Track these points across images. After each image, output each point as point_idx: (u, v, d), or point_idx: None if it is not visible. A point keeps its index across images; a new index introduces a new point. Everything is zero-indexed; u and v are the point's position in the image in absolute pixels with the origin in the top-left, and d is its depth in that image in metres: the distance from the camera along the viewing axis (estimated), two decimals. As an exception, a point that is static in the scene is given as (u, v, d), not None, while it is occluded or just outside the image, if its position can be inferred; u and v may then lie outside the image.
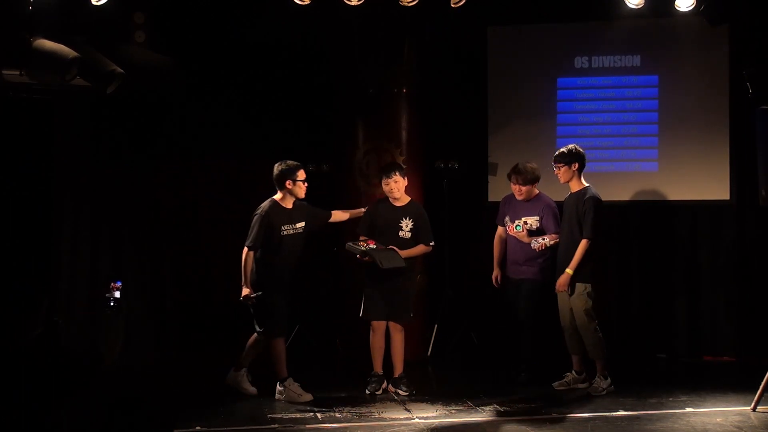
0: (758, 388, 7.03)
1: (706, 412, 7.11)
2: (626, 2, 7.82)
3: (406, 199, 7.82)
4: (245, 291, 7.37)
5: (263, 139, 9.24)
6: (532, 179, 7.98)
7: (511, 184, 8.06)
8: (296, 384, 7.49)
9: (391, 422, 6.88)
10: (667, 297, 9.25)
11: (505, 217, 8.12)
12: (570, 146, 7.76)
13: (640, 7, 7.84)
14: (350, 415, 7.04)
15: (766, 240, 8.92)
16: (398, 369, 7.78)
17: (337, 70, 9.09)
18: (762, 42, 8.44)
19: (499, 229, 8.23)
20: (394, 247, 7.59)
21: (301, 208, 7.64)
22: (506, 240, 8.15)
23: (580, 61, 9.22)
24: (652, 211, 9.25)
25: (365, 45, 8.85)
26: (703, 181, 9.02)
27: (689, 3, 7.85)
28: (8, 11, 6.99)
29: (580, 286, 7.63)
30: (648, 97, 9.16)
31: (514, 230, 7.98)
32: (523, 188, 7.99)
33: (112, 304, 7.55)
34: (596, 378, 7.72)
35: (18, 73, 7.19)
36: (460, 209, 9.40)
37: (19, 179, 8.16)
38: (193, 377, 8.28)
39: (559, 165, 7.72)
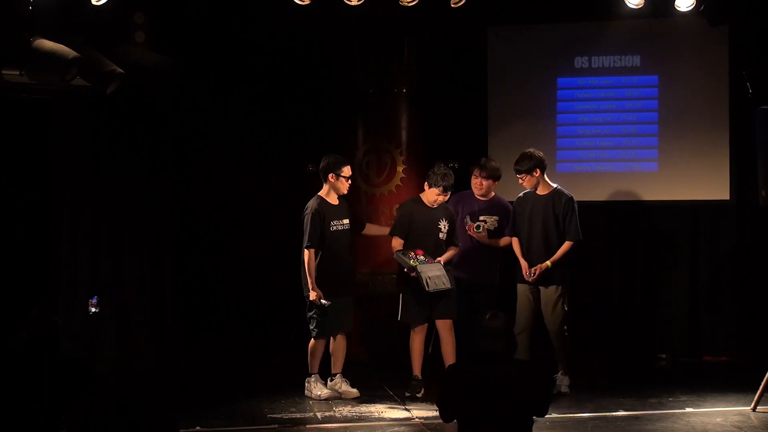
0: (758, 388, 7.04)
1: (706, 412, 7.11)
2: (626, 2, 7.82)
3: None
4: (313, 295, 7.28)
5: (263, 139, 9.23)
6: (495, 176, 7.99)
7: (473, 177, 8.05)
8: (319, 383, 7.49)
9: (391, 422, 6.88)
10: (667, 297, 9.25)
11: (460, 216, 8.01)
12: (527, 152, 7.59)
13: (640, 7, 7.84)
14: (350, 415, 7.05)
15: (766, 240, 8.92)
16: None
17: (337, 70, 9.09)
18: (762, 42, 8.45)
19: None
20: (441, 261, 7.47)
21: (345, 205, 7.62)
22: None
23: (580, 61, 9.21)
24: (652, 211, 9.24)
25: (365, 45, 8.86)
26: (703, 181, 9.01)
27: (689, 3, 7.85)
28: (8, 11, 7.00)
29: (558, 289, 7.57)
30: (648, 97, 9.14)
31: (474, 230, 7.95)
32: (485, 182, 7.98)
33: (91, 314, 7.63)
34: (559, 374, 7.64)
35: (18, 73, 7.19)
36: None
37: (19, 179, 8.16)
38: (193, 377, 8.27)
39: (522, 176, 7.63)
